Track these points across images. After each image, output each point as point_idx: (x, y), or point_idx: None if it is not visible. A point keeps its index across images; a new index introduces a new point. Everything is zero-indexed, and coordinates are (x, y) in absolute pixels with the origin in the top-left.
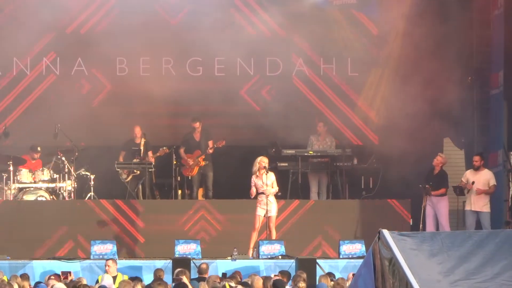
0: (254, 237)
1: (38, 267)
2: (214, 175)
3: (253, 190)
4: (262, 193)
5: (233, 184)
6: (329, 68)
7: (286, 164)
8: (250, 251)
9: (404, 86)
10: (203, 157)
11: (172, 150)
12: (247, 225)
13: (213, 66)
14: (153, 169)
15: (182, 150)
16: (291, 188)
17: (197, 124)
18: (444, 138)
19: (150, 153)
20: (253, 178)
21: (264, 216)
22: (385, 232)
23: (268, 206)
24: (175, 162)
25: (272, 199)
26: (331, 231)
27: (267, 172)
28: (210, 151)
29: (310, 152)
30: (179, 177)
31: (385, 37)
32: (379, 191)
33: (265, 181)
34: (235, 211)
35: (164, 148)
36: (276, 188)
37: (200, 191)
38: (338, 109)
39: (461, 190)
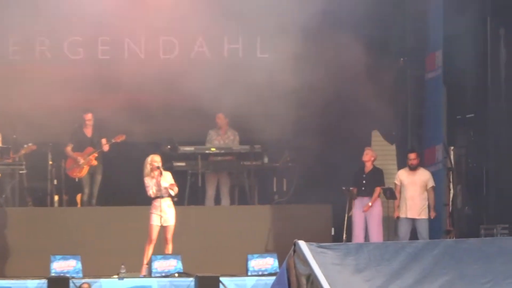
0: (149, 251)
1: None
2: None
3: (150, 191)
4: (158, 197)
5: (121, 188)
6: (234, 49)
7: (184, 164)
8: (144, 268)
9: (321, 71)
10: (96, 155)
11: (49, 149)
12: (140, 237)
13: (96, 47)
14: (24, 171)
15: (69, 148)
16: (189, 192)
17: (89, 116)
18: (372, 131)
19: (11, 153)
20: (147, 181)
21: (160, 225)
22: (302, 243)
23: (165, 214)
24: (51, 163)
25: (169, 204)
26: (237, 243)
27: (161, 173)
28: (106, 148)
29: (212, 149)
30: (55, 181)
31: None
32: (294, 195)
33: (161, 184)
34: (125, 220)
35: (30, 144)
36: (176, 189)
37: (79, 197)
38: (243, 97)
39: (392, 193)
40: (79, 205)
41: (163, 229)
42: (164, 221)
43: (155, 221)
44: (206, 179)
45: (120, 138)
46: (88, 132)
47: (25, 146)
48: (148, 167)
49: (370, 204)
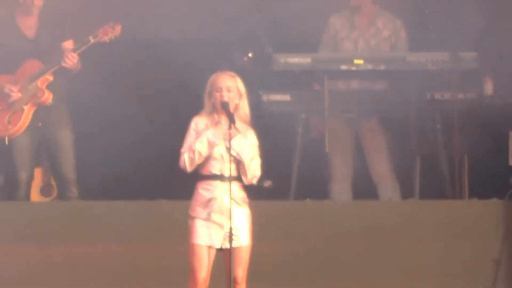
0: None
1: None
2: None
3: (190, 160)
4: (214, 176)
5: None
6: None
7: (289, 98)
8: None
9: None
10: (49, 79)
11: None
12: (169, 272)
13: None
14: None
15: None
16: (300, 168)
17: None
18: None
19: None
20: (195, 124)
21: (221, 248)
22: None
23: (227, 219)
24: None
25: (238, 195)
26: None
27: (231, 123)
28: (70, 61)
29: (356, 61)
30: None
31: None
32: None
33: (230, 146)
34: (134, 232)
35: None
36: (254, 171)
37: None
38: None
39: None
40: (38, 198)
41: (223, 255)
42: (228, 237)
43: (203, 238)
44: (339, 137)
45: (110, 34)
46: (29, 26)
47: None
48: (207, 97)
49: None
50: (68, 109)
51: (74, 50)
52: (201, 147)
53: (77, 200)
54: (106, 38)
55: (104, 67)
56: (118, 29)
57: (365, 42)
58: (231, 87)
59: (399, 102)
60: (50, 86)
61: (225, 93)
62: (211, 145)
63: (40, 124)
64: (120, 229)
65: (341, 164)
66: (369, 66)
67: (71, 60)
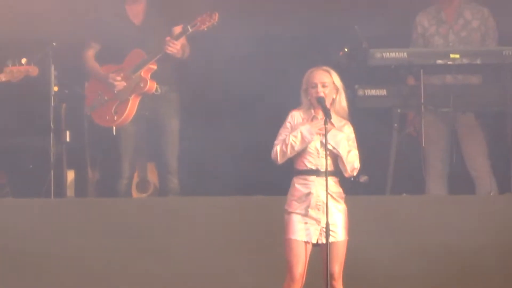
0: None
1: None
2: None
3: (282, 152)
4: (309, 171)
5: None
6: None
7: (385, 93)
8: None
9: None
10: (153, 68)
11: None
12: (267, 267)
13: None
14: None
15: (90, 54)
16: (398, 163)
17: None
18: None
19: None
20: (292, 117)
21: (317, 243)
22: None
23: (323, 214)
24: (56, 89)
25: (335, 189)
26: None
27: (327, 118)
28: (174, 48)
29: (453, 55)
30: (68, 134)
31: None
32: None
33: (326, 140)
34: (237, 227)
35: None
36: (352, 163)
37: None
38: None
39: None
40: (135, 194)
41: (320, 251)
42: (324, 232)
43: (299, 233)
44: (430, 132)
45: (208, 22)
46: (137, 13)
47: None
48: (305, 93)
49: None
50: (179, 98)
51: (175, 38)
52: (295, 141)
53: (174, 196)
54: (204, 27)
55: (208, 57)
56: (215, 17)
57: (455, 35)
58: (326, 83)
59: (496, 96)
60: (157, 75)
61: (320, 89)
62: (305, 141)
63: (147, 113)
64: (217, 224)
65: (436, 159)
66: (465, 60)
67: (173, 47)
